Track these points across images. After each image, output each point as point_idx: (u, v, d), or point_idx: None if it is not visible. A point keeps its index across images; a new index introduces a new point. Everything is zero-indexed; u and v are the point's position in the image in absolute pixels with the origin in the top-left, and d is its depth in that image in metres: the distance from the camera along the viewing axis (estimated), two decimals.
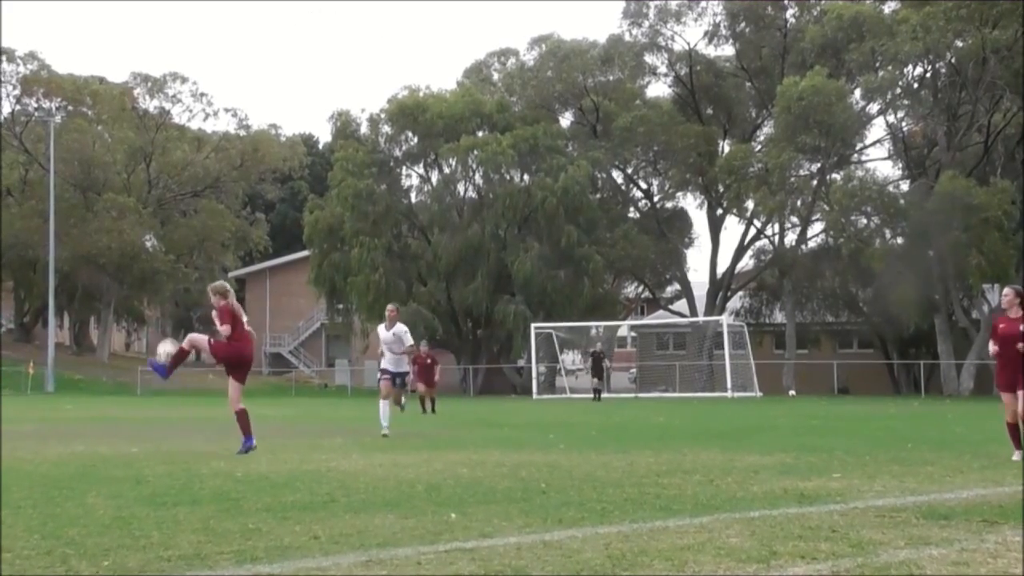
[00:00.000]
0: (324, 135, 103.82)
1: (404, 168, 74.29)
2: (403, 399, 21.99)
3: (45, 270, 68.75)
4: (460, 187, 72.67)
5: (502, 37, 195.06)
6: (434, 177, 73.37)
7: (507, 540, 7.83)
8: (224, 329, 15.73)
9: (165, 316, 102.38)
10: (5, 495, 10.57)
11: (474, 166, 70.08)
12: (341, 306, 73.24)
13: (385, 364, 21.23)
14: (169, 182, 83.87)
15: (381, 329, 21.58)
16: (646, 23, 70.38)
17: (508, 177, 70.45)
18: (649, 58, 72.20)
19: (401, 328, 21.31)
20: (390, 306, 22.31)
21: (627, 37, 71.22)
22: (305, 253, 77.76)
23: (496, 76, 79.12)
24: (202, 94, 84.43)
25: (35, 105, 79.79)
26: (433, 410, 32.63)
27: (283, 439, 15.97)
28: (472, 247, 67.70)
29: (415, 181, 75.02)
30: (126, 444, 17.53)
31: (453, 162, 71.13)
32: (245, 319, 16.17)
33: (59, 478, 12.40)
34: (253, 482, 11.81)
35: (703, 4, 69.70)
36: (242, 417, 15.77)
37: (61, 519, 8.94)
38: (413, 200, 74.59)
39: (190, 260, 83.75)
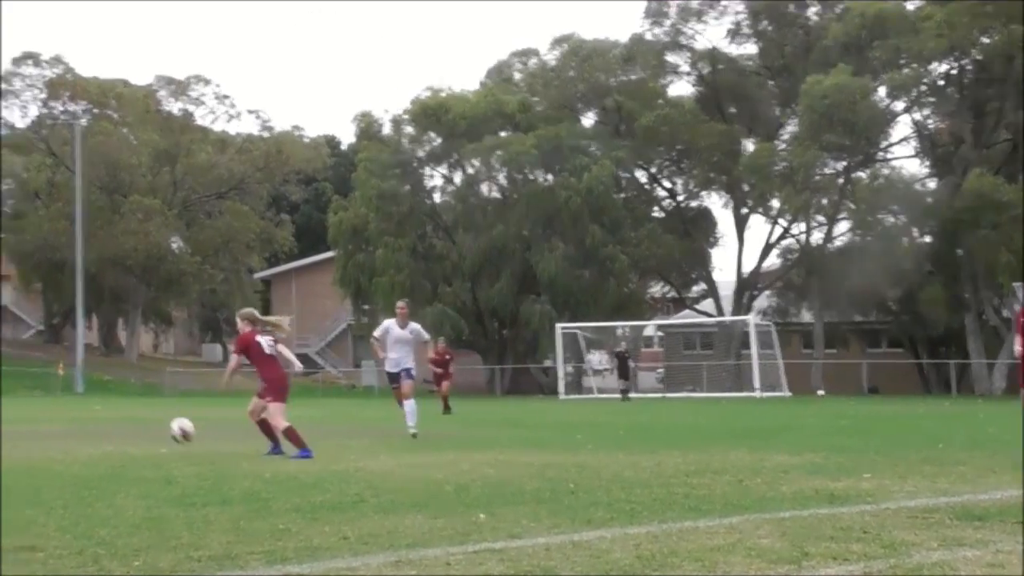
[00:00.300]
0: (347, 136, 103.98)
1: (427, 168, 74.25)
2: (412, 402, 20.34)
3: (73, 272, 69.04)
4: (484, 187, 72.70)
5: (524, 37, 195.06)
6: (457, 177, 73.41)
7: (536, 541, 7.82)
8: (234, 360, 16.47)
9: (192, 317, 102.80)
10: (37, 495, 10.63)
11: (497, 166, 70.07)
12: (367, 307, 73.31)
13: (390, 367, 20.59)
14: (194, 184, 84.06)
15: (393, 325, 20.57)
16: (668, 22, 70.17)
17: (532, 177, 70.41)
18: (671, 57, 71.98)
19: (415, 325, 20.89)
20: (400, 302, 21.55)
21: (649, 36, 71.01)
22: (330, 254, 77.85)
23: (518, 76, 78.99)
24: (225, 96, 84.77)
25: (61, 108, 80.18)
26: (448, 408, 32.62)
27: (311, 440, 15.97)
28: (496, 247, 67.69)
29: (439, 181, 75.09)
30: (155, 445, 17.59)
31: (476, 162, 71.16)
32: (269, 343, 16.34)
33: (90, 479, 12.46)
34: (282, 482, 11.84)
35: (725, 3, 69.46)
36: (291, 433, 15.95)
37: (92, 519, 8.97)
38: (437, 200, 74.59)
39: (216, 261, 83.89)
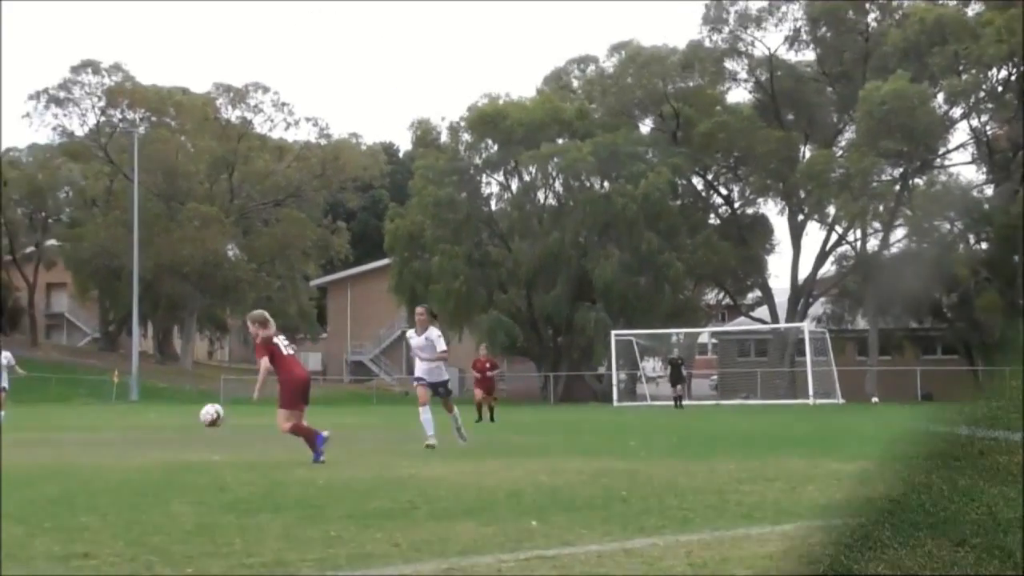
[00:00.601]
0: (404, 143, 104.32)
1: (484, 176, 74.38)
2: (455, 411, 19.70)
3: (129, 279, 69.49)
4: (540, 194, 72.77)
5: (582, 44, 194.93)
6: (514, 184, 73.52)
7: (588, 548, 7.78)
8: (264, 363, 15.79)
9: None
10: (92, 502, 10.69)
11: (554, 173, 70.16)
12: None
13: (420, 373, 19.35)
14: (251, 191, 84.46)
15: (411, 334, 19.57)
16: (726, 29, 70.13)
17: (588, 184, 70.43)
18: (729, 64, 71.93)
19: (434, 332, 19.25)
20: (420, 308, 20.02)
21: (707, 43, 70.96)
22: (386, 261, 77.98)
23: (576, 83, 79.09)
24: (283, 104, 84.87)
25: (119, 116, 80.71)
26: (492, 418, 31.17)
27: (364, 447, 16.02)
28: (552, 254, 67.67)
29: (495, 189, 75.21)
30: (209, 452, 17.66)
31: (533, 169, 71.22)
32: (285, 343, 16.14)
33: (143, 485, 12.51)
34: (335, 489, 11.84)
35: (783, 9, 69.34)
36: (297, 429, 15.77)
37: (145, 526, 9.00)
38: (493, 208, 74.70)
39: (272, 269, 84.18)
